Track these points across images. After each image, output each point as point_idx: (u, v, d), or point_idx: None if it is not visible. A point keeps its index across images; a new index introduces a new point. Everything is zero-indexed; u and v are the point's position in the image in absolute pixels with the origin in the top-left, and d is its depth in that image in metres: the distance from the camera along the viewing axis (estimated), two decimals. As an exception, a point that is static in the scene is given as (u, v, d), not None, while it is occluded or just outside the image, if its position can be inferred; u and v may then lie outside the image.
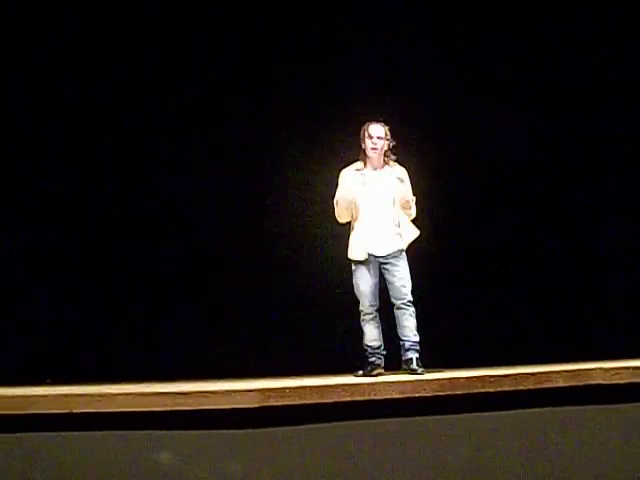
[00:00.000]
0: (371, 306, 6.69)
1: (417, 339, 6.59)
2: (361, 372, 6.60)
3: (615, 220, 8.45)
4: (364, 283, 6.72)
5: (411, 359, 6.54)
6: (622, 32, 8.46)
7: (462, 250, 8.29)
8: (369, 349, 6.71)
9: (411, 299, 6.63)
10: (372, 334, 6.70)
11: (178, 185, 8.48)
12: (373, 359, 6.68)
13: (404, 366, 6.58)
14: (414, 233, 6.83)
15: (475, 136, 8.44)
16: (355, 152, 7.20)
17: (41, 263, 8.29)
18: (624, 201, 8.50)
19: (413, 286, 6.70)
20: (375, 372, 6.58)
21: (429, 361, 6.56)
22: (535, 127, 8.57)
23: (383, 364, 6.72)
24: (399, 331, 6.63)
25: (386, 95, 8.19)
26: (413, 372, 6.43)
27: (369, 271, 6.72)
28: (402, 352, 6.62)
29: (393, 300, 6.66)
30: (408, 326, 6.59)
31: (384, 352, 6.74)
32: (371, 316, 6.70)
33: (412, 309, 6.62)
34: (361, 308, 6.73)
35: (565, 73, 8.51)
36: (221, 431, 5.01)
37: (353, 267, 6.78)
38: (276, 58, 8.45)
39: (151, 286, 8.29)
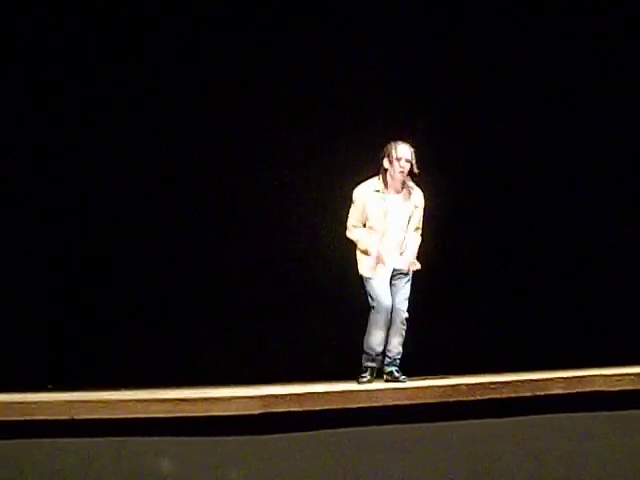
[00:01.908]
0: (385, 308, 6.51)
1: (400, 356, 6.59)
2: (365, 379, 6.55)
3: (615, 220, 8.45)
4: (379, 285, 6.59)
5: (391, 371, 6.56)
6: (622, 32, 8.47)
7: (460, 257, 8.30)
8: (372, 353, 6.59)
9: (407, 317, 6.60)
10: (379, 338, 6.57)
11: (178, 185, 8.48)
12: (373, 364, 6.61)
13: (385, 377, 6.59)
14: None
15: (474, 136, 8.45)
16: (356, 151, 7.20)
17: (41, 263, 8.29)
18: (624, 201, 8.50)
19: (412, 293, 6.66)
20: (375, 374, 6.60)
21: (430, 368, 6.56)
22: (535, 127, 8.57)
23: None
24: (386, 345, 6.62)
25: (386, 96, 8.21)
26: (395, 380, 6.47)
27: (383, 278, 6.63)
28: (383, 364, 6.62)
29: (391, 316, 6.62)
30: (395, 343, 6.59)
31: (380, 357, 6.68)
32: (383, 319, 6.52)
33: (404, 327, 6.60)
34: (374, 304, 6.54)
35: (565, 73, 8.53)
36: (222, 438, 5.00)
37: (365, 277, 6.66)
38: (276, 58, 8.43)
39: (151, 287, 8.29)
